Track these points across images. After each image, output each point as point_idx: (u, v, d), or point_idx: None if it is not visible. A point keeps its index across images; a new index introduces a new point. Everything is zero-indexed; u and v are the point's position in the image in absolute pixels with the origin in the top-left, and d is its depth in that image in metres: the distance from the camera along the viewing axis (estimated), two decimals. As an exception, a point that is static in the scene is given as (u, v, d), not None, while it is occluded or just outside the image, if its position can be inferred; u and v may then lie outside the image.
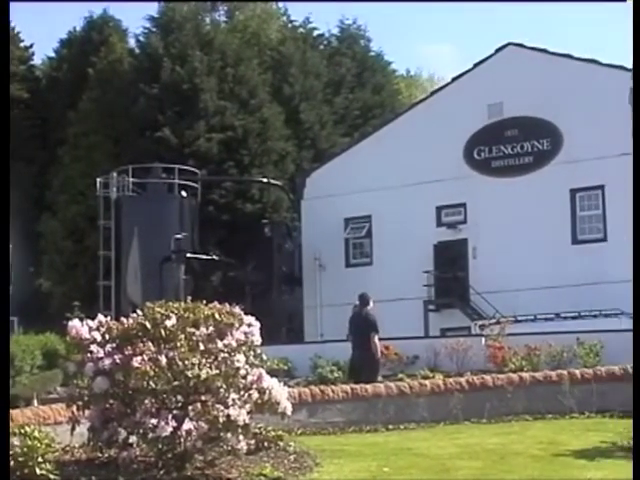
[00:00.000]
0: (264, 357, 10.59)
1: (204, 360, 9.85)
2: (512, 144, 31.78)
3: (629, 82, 24.75)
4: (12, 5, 11.54)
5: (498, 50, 32.83)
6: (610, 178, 29.12)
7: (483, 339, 22.35)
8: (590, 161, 29.51)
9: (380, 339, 17.91)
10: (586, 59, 31.09)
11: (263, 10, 50.01)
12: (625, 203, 26.69)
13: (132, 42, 44.37)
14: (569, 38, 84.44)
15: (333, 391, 15.03)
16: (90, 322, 10.29)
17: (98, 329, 10.23)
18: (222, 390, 9.88)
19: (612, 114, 27.71)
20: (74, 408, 10.07)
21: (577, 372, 16.45)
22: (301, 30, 47.47)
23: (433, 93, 36.94)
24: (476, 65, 33.25)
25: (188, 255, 33.73)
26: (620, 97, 25.64)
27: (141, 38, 42.71)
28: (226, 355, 10.04)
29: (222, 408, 9.80)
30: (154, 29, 41.91)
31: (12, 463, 9.21)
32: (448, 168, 32.00)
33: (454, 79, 34.52)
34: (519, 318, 26.48)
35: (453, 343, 21.63)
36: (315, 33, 47.68)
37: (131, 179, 34.52)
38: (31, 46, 46.89)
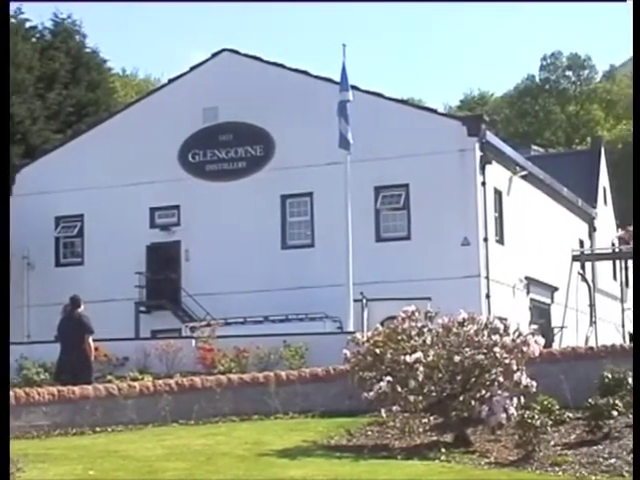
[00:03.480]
0: (-34, 360, 10.24)
1: None
2: (226, 149, 32.22)
3: (338, 95, 25.93)
4: None
5: (214, 55, 33.21)
6: (318, 186, 30.19)
7: (193, 341, 22.57)
8: (300, 168, 30.45)
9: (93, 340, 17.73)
10: (298, 69, 32.03)
11: (-28, -3, 47.79)
12: (331, 210, 27.98)
13: None
14: (285, 47, 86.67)
15: (39, 393, 14.70)
16: None
17: None
18: None
19: (321, 124, 28.72)
20: None
21: (283, 374, 16.95)
22: (12, 20, 45.80)
23: (149, 94, 36.86)
24: (192, 68, 33.47)
25: None
26: (329, 108, 26.62)
27: None
28: None
29: None
30: None
31: None
32: (163, 170, 32.01)
33: (170, 81, 34.57)
34: (229, 321, 26.89)
35: (163, 345, 21.72)
36: (27, 25, 46.16)
37: None
38: None
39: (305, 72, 31.87)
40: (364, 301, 26.81)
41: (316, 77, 31.35)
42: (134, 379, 18.22)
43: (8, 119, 11.02)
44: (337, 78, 26.77)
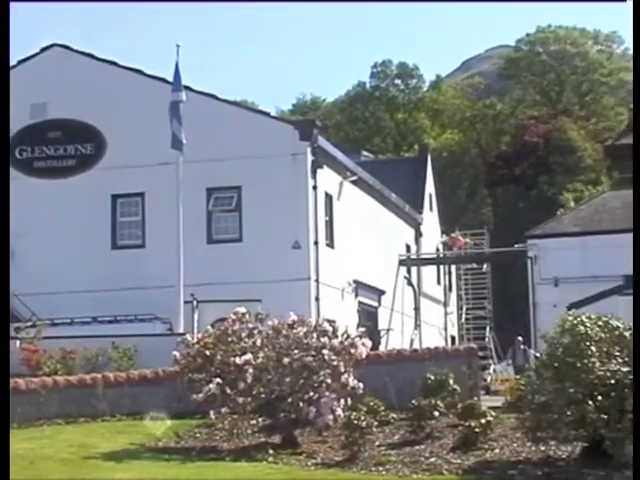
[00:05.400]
0: None
1: None
2: (55, 146, 31.49)
3: (170, 95, 25.83)
4: None
5: (43, 49, 32.41)
6: (150, 186, 29.90)
7: (18, 342, 22.00)
8: (131, 168, 30.07)
9: None
10: (131, 68, 31.57)
11: None
12: (163, 211, 27.78)
13: None
14: (118, 46, 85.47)
15: None
16: None
17: None
18: None
19: (154, 124, 28.44)
20: None
21: (111, 375, 16.79)
22: None
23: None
24: (20, 62, 32.55)
25: None
26: (162, 108, 26.44)
27: None
28: None
29: None
30: None
31: None
32: (-13, 166, 31.05)
33: (-4, 75, 33.52)
34: (56, 321, 26.31)
35: (-15, 346, 21.06)
36: None
37: None
38: None
39: (138, 71, 31.47)
40: (195, 303, 26.72)
41: (149, 76, 31.00)
42: (-46, 382, 17.63)
43: (8, 119, 10.75)
44: (171, 78, 26.64)
